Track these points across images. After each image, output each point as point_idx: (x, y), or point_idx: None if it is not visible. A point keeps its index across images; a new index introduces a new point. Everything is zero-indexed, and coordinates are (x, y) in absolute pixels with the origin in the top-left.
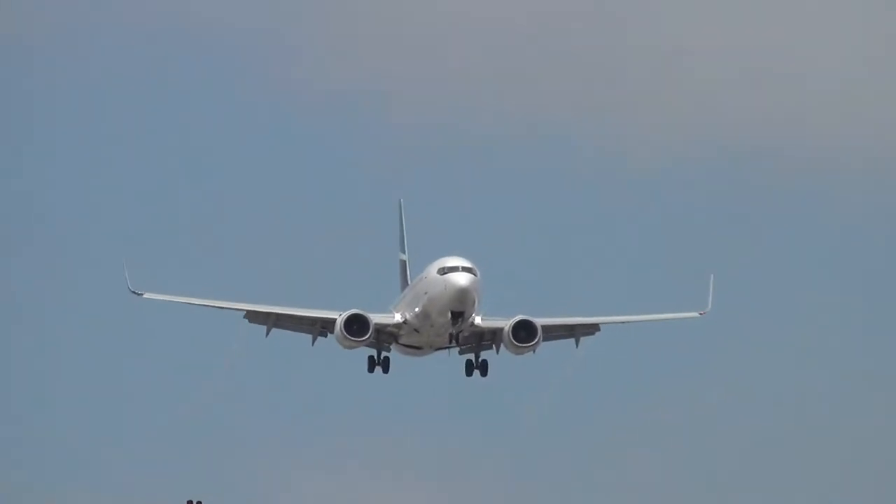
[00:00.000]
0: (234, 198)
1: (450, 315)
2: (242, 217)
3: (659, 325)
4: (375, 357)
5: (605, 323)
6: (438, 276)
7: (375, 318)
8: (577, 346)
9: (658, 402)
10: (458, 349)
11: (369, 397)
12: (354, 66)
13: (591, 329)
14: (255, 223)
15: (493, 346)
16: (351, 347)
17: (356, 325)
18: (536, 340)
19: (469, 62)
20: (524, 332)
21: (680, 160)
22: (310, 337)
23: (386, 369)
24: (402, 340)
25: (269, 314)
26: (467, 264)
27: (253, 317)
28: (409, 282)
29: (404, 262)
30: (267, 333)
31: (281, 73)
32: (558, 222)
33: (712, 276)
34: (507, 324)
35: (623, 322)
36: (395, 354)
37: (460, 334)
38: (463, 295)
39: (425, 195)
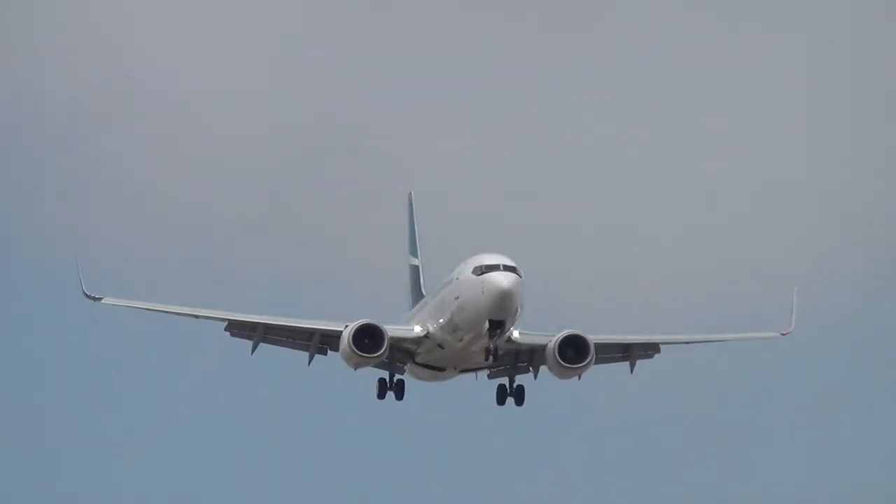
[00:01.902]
0: (212, 189)
1: (487, 325)
2: (223, 213)
3: (731, 347)
4: (387, 380)
5: (667, 343)
6: (474, 276)
7: (391, 331)
8: (631, 370)
9: (732, 441)
10: (487, 372)
11: (379, 429)
12: None
13: (650, 350)
14: (237, 220)
15: (531, 367)
16: (359, 366)
17: (367, 338)
18: (588, 360)
19: None
20: (573, 350)
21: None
22: (305, 354)
23: (400, 395)
24: (421, 359)
25: (256, 325)
26: (509, 262)
27: (236, 328)
28: (423, 290)
29: (416, 267)
30: (253, 350)
31: None
32: (608, 225)
33: (795, 290)
34: (552, 340)
35: (689, 342)
36: (409, 378)
37: (496, 351)
38: (505, 299)
39: (442, 188)
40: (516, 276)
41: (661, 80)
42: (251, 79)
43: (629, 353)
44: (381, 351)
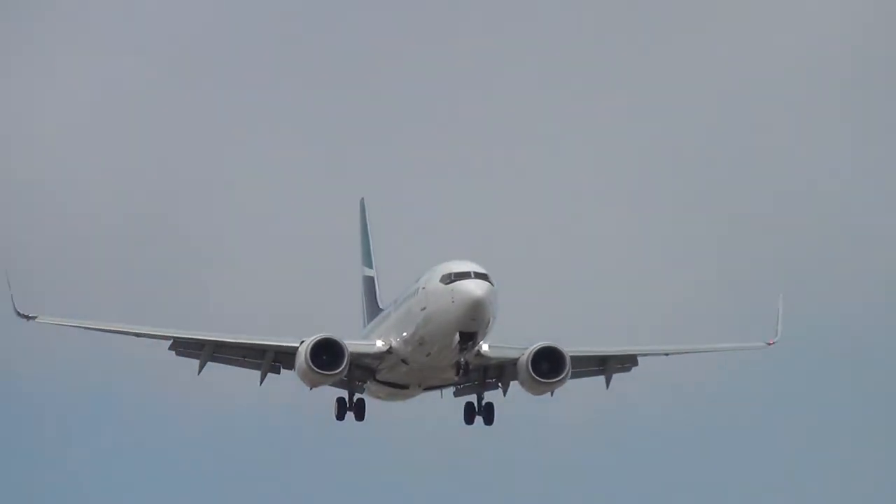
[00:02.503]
0: (158, 201)
1: (458, 338)
2: (165, 228)
3: (713, 359)
4: (346, 399)
5: (646, 355)
6: (442, 285)
7: (351, 346)
8: (607, 384)
9: (717, 460)
10: (452, 389)
11: (339, 453)
12: None
13: (627, 363)
14: (179, 236)
15: (500, 383)
16: (317, 385)
17: (326, 354)
18: (564, 374)
19: None
20: (547, 363)
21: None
22: (256, 373)
23: (360, 415)
24: (383, 376)
25: (203, 343)
26: (480, 269)
27: (182, 347)
28: (380, 303)
29: (371, 278)
30: (200, 369)
31: None
32: (578, 233)
33: (781, 297)
34: (524, 353)
35: (669, 354)
36: (368, 398)
37: (467, 366)
38: (478, 309)
39: (397, 193)
40: (488, 284)
41: (637, 79)
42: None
43: (605, 366)
44: (341, 368)
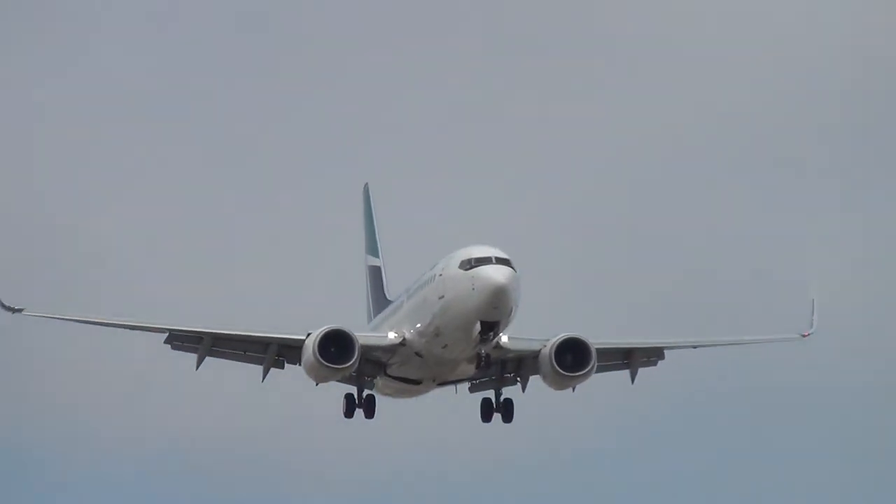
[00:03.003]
0: (146, 192)
1: (478, 327)
2: (158, 218)
3: (743, 353)
4: (355, 395)
5: (674, 348)
6: (462, 271)
7: (361, 338)
8: (632, 379)
9: (749, 459)
10: (468, 385)
11: (348, 453)
12: None
13: (654, 356)
14: (173, 226)
15: (519, 378)
16: (325, 380)
17: (335, 346)
18: (589, 368)
19: None
20: (571, 356)
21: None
22: (258, 368)
23: (370, 412)
24: (394, 371)
25: (201, 336)
26: (502, 254)
27: (179, 341)
28: (387, 294)
29: (377, 268)
30: (198, 365)
31: None
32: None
33: (816, 286)
34: (546, 345)
35: (698, 346)
36: (378, 394)
37: (488, 358)
38: (500, 296)
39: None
40: (511, 269)
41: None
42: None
43: (630, 360)
44: (352, 361)
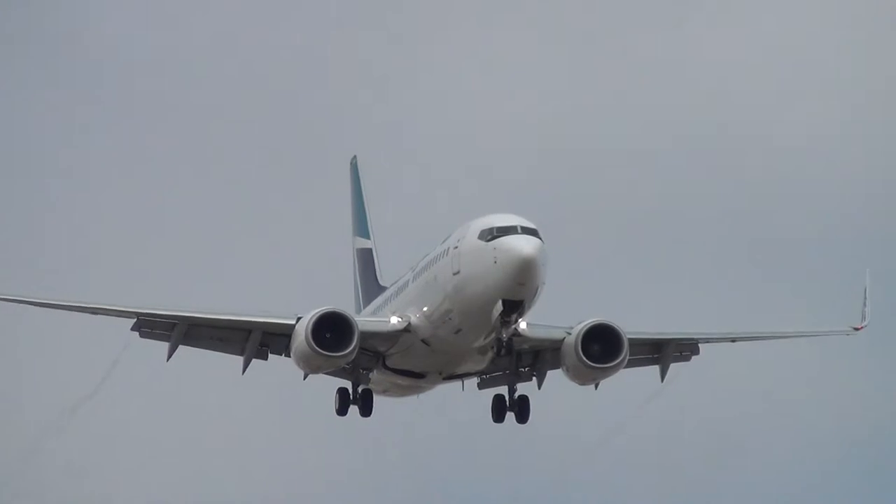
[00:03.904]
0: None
1: (500, 307)
2: (129, 199)
3: (787, 348)
4: (350, 390)
5: (710, 341)
6: (482, 243)
7: (360, 323)
8: (662, 376)
9: (793, 463)
10: (477, 380)
11: (341, 455)
12: None
13: (687, 350)
14: (144, 207)
15: (535, 373)
16: (318, 370)
17: (330, 331)
18: (620, 358)
19: None
20: (599, 345)
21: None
22: (238, 359)
23: (367, 409)
24: (395, 362)
25: (174, 321)
26: (528, 224)
27: (148, 327)
28: (380, 279)
29: (368, 250)
30: (170, 354)
31: None
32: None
33: (868, 275)
34: (572, 332)
35: (736, 340)
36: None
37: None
38: (528, 270)
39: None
40: (539, 240)
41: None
42: None
43: (661, 354)
44: (350, 348)
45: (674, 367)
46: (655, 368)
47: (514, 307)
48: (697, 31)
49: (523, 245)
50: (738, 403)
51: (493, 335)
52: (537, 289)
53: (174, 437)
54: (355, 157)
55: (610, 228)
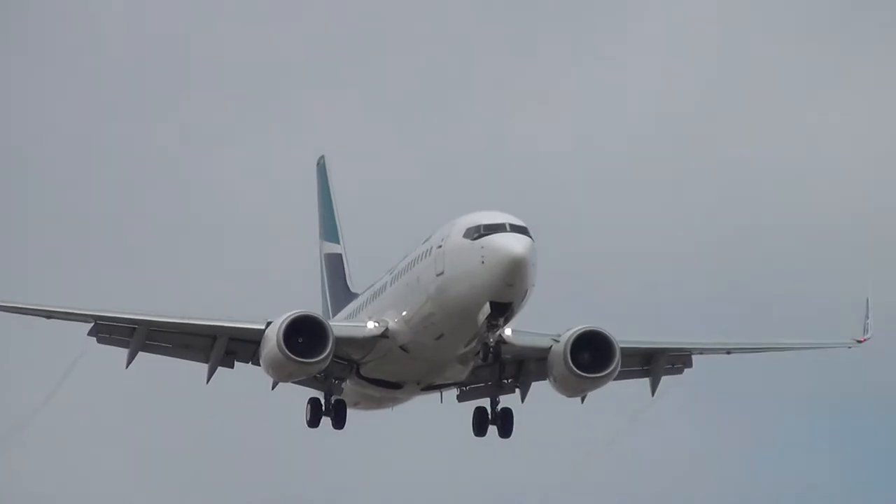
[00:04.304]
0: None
1: (487, 310)
2: (87, 198)
3: (785, 361)
4: (322, 400)
5: (706, 352)
6: (468, 241)
7: (335, 328)
8: (653, 390)
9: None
10: (457, 391)
11: (313, 471)
12: None
13: (679, 363)
14: (101, 205)
15: (519, 384)
16: (289, 378)
17: (302, 336)
18: (612, 368)
19: None
20: (589, 354)
21: None
22: (201, 367)
23: (340, 421)
24: (370, 371)
25: (135, 326)
26: (517, 221)
27: (107, 332)
28: (350, 285)
29: (337, 255)
30: (129, 361)
31: None
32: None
33: (871, 287)
34: (560, 340)
35: (732, 351)
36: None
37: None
38: (518, 271)
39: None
40: (529, 239)
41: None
42: None
43: (652, 365)
44: (325, 354)
45: (664, 381)
46: (644, 381)
47: (502, 310)
48: None
49: (513, 244)
50: (733, 419)
51: (478, 341)
52: (527, 291)
53: (131, 451)
54: (322, 157)
55: (595, 232)
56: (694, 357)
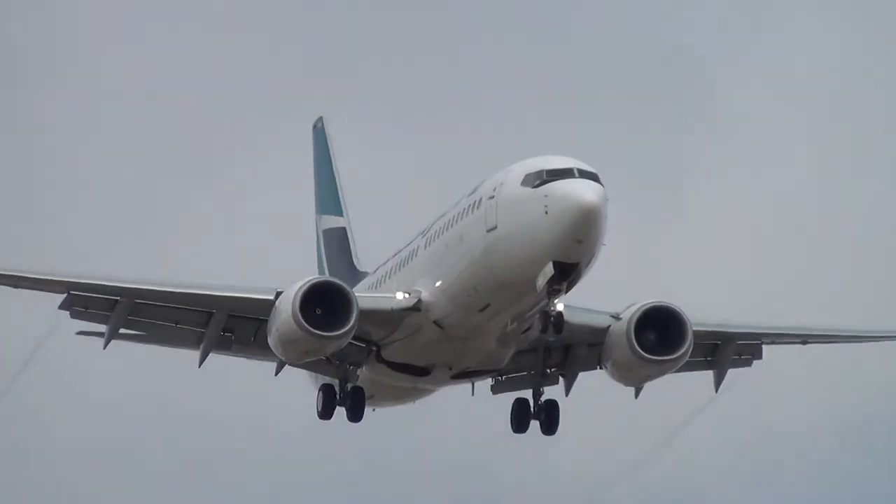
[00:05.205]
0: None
1: (549, 272)
2: (59, 159)
3: (871, 353)
4: (337, 388)
5: (777, 341)
6: (528, 189)
7: (359, 298)
8: (717, 384)
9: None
10: (491, 381)
11: (327, 472)
12: None
13: (748, 353)
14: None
15: (564, 373)
16: (303, 357)
17: (320, 307)
18: (685, 349)
19: None
20: (655, 333)
21: None
22: (192, 352)
23: (357, 413)
24: (394, 353)
25: (117, 296)
26: (586, 167)
27: (82, 305)
28: (357, 263)
29: (340, 230)
30: (107, 341)
31: None
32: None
33: None
34: (623, 316)
35: (809, 342)
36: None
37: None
38: (590, 224)
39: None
40: (601, 186)
41: None
42: None
43: (716, 357)
44: (348, 327)
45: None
46: (703, 375)
47: (567, 272)
48: None
49: (584, 191)
50: (808, 420)
51: (530, 314)
52: (595, 250)
53: (114, 447)
54: (321, 118)
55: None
56: (765, 347)
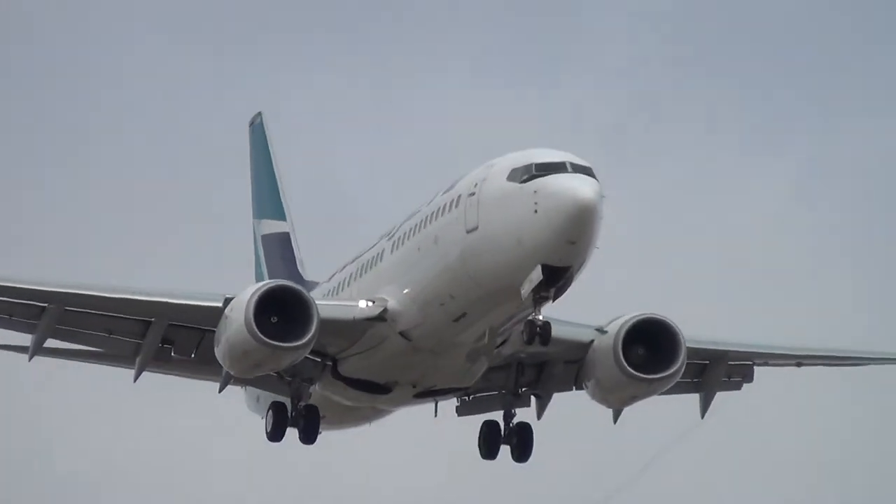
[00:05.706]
0: None
1: (538, 276)
2: None
3: (865, 376)
4: (289, 406)
5: (767, 361)
6: (515, 185)
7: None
8: (703, 409)
9: None
10: (457, 401)
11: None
12: None
13: (739, 374)
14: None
15: (536, 392)
16: (254, 370)
17: (276, 314)
18: (677, 366)
19: None
20: (645, 348)
21: None
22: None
23: (311, 434)
24: (351, 369)
25: (46, 301)
26: (579, 160)
27: (6, 311)
28: (301, 271)
29: (282, 235)
30: (32, 354)
31: None
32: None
33: None
34: (610, 330)
35: (804, 364)
36: None
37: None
38: (585, 222)
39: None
40: (596, 181)
41: None
42: None
43: (705, 377)
44: (308, 337)
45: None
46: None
47: (557, 277)
48: None
49: (578, 186)
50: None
51: (509, 323)
52: (588, 253)
53: (39, 472)
54: (259, 114)
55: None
56: (756, 369)
